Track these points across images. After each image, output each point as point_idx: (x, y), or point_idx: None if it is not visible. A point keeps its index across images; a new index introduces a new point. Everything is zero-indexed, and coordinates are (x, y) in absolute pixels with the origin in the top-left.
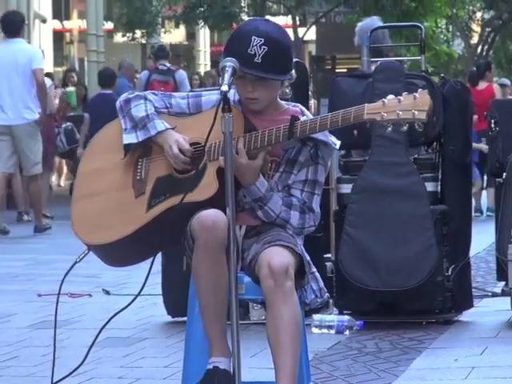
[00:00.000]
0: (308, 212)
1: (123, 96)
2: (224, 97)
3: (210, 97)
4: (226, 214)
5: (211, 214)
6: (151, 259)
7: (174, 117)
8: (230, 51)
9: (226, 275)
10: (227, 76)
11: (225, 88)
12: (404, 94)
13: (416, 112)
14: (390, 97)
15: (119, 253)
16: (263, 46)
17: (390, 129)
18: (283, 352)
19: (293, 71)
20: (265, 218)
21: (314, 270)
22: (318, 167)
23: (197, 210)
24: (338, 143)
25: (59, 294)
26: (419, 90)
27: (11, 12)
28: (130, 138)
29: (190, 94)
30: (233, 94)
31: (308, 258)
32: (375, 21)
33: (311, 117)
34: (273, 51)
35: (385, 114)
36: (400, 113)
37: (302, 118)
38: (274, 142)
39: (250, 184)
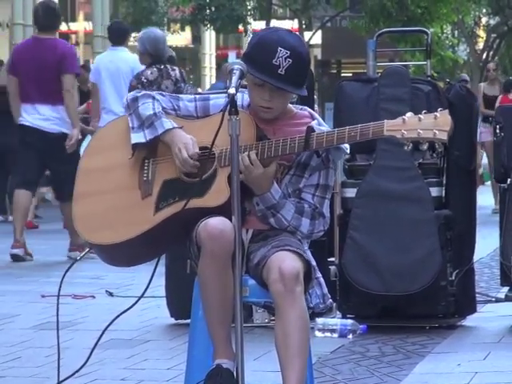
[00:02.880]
0: (318, 217)
1: (130, 94)
2: (231, 99)
3: (218, 101)
4: (231, 219)
5: (218, 223)
6: (155, 261)
7: (182, 119)
8: (253, 59)
9: (231, 282)
10: (235, 79)
11: (232, 91)
12: (423, 112)
13: (437, 132)
14: (410, 114)
15: (123, 253)
16: (288, 59)
17: (410, 147)
18: (292, 356)
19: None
20: (277, 225)
21: (319, 275)
22: (329, 171)
23: (204, 215)
24: (348, 147)
25: (59, 291)
26: (439, 109)
27: (117, 21)
28: (138, 138)
29: (198, 96)
30: (241, 99)
31: (314, 263)
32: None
33: (320, 120)
34: (296, 65)
35: (405, 132)
36: (421, 132)
37: (313, 122)
38: (289, 153)
39: (264, 192)
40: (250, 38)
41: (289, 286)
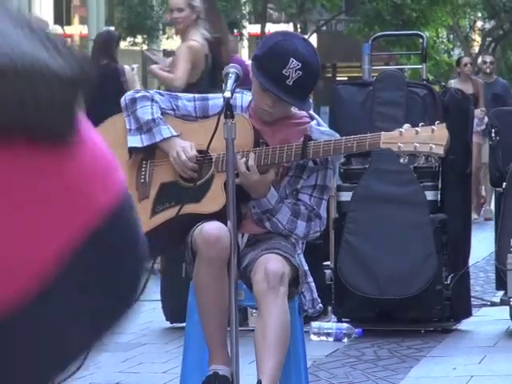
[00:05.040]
0: (315, 219)
1: (129, 94)
2: (227, 103)
3: (217, 101)
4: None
5: (214, 229)
6: (150, 264)
7: (181, 119)
8: (263, 64)
9: (227, 286)
10: (230, 82)
11: (227, 94)
12: (420, 124)
13: (433, 146)
14: (406, 126)
15: None
16: (299, 71)
17: (406, 160)
18: (268, 350)
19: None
20: (272, 229)
21: (310, 279)
22: (327, 172)
23: (200, 220)
24: None
25: None
26: (436, 122)
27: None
28: (135, 141)
29: (197, 96)
30: (240, 99)
31: (306, 267)
32: None
33: (319, 119)
34: (306, 78)
35: (402, 145)
36: (417, 145)
37: (312, 123)
38: (286, 161)
39: (261, 197)
40: (263, 39)
41: (272, 284)
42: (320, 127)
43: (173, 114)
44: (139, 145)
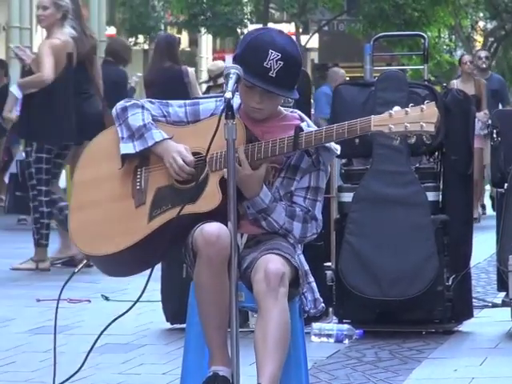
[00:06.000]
0: (311, 221)
1: (120, 104)
2: (227, 103)
3: (208, 105)
4: (227, 224)
5: (214, 229)
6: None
7: (172, 125)
8: (244, 61)
9: (227, 287)
10: (231, 83)
11: (228, 95)
12: (410, 105)
13: (424, 124)
14: (397, 108)
15: (120, 263)
16: (279, 62)
17: (397, 141)
18: (268, 352)
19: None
20: (269, 228)
21: (311, 280)
22: (319, 173)
23: (198, 221)
24: (338, 148)
25: (58, 302)
26: (426, 101)
27: None
28: (127, 149)
29: (188, 102)
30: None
31: (306, 267)
32: None
33: (310, 122)
34: (287, 67)
35: (392, 126)
36: (408, 125)
37: (303, 124)
38: (279, 154)
39: (254, 196)
40: (241, 39)
41: (272, 284)
42: (310, 128)
43: (164, 120)
44: (132, 151)
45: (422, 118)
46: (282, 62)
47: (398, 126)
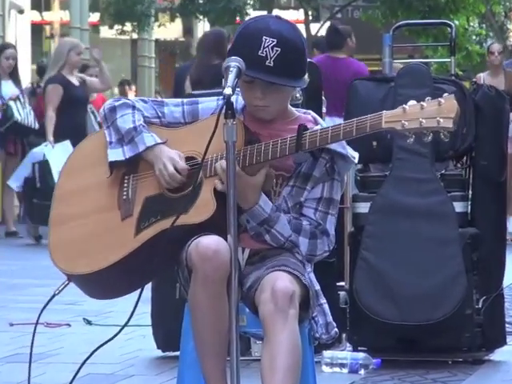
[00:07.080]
0: (321, 236)
1: (108, 103)
2: (227, 101)
3: (208, 104)
4: (226, 238)
5: (211, 242)
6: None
7: (166, 128)
8: (238, 52)
9: (227, 310)
10: (231, 77)
11: (228, 91)
12: (427, 99)
13: (441, 120)
14: (412, 102)
15: (104, 283)
16: (276, 48)
17: (411, 139)
18: (278, 382)
19: (306, 76)
20: (273, 242)
21: (323, 301)
22: (334, 183)
23: (193, 234)
24: (356, 156)
25: (36, 327)
26: (445, 94)
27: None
28: (116, 155)
29: (185, 100)
30: (235, 101)
31: (317, 287)
32: None
33: (324, 124)
34: (286, 53)
35: (406, 123)
36: (423, 121)
37: (316, 127)
38: (280, 156)
39: (251, 205)
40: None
41: (280, 305)
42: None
43: (158, 122)
44: (121, 158)
45: (440, 112)
46: (278, 49)
47: (412, 123)
